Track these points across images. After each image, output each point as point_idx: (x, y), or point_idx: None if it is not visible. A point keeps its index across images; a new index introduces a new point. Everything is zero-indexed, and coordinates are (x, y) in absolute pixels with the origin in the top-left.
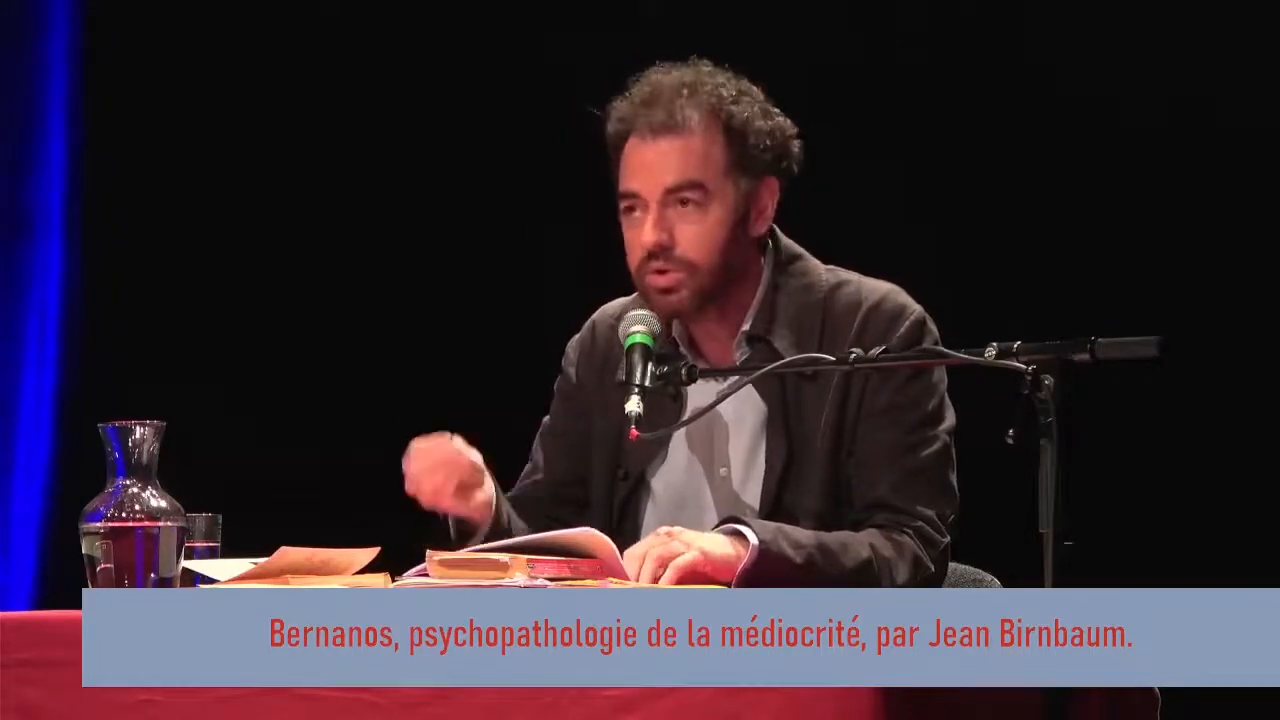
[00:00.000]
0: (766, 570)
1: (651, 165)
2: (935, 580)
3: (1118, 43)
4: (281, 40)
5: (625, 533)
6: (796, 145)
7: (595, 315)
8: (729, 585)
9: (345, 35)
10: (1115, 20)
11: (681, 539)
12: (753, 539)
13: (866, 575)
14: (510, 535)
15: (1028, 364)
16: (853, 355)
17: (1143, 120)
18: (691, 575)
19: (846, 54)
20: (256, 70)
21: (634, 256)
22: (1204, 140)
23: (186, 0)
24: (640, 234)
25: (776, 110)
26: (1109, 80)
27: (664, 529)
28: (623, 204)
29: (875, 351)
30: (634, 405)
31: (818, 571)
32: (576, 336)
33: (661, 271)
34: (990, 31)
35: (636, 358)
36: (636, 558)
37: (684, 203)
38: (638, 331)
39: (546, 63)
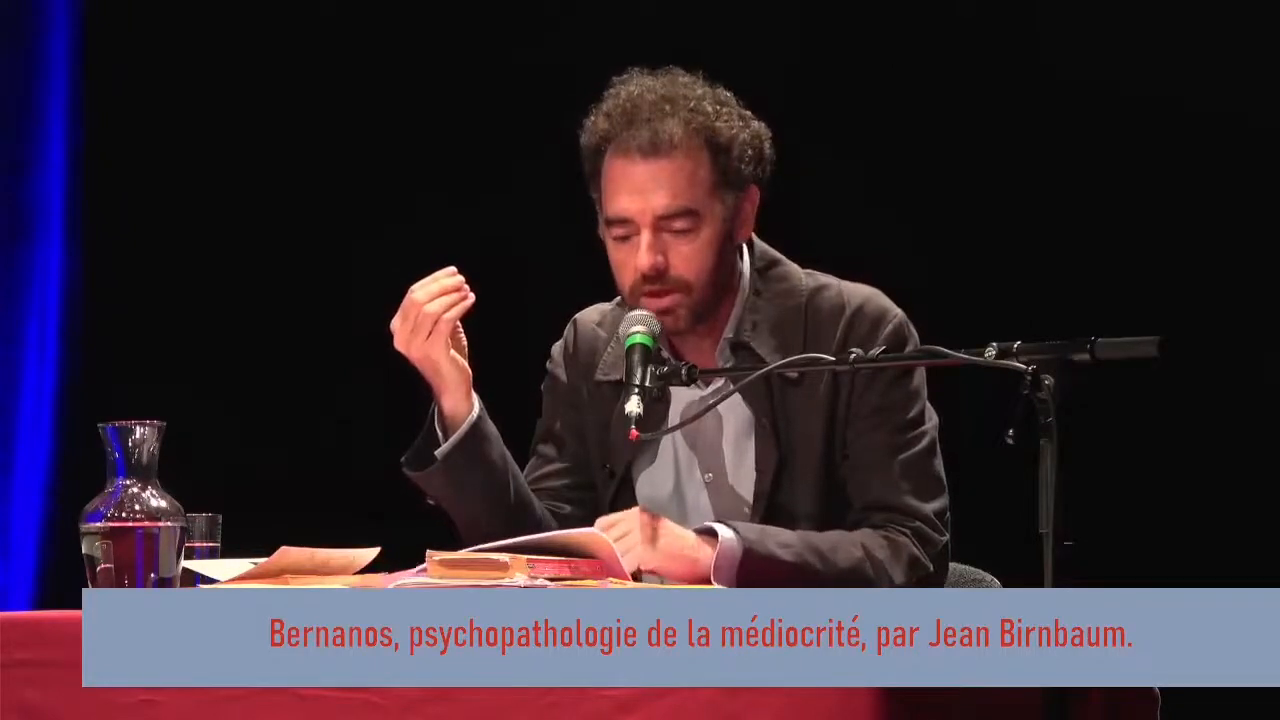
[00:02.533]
0: (755, 570)
1: (640, 189)
2: (935, 579)
3: (1119, 43)
4: (281, 40)
5: None
6: (772, 148)
7: (575, 318)
8: (685, 579)
9: (344, 35)
10: (1117, 20)
11: (649, 548)
12: (728, 535)
13: (859, 574)
14: (491, 452)
15: (1028, 364)
16: (853, 355)
17: (1143, 120)
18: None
19: (846, 53)
20: (256, 70)
21: (625, 277)
22: (1204, 140)
23: (186, 0)
24: (633, 257)
25: (751, 115)
26: (1109, 79)
27: (637, 510)
28: (612, 229)
29: (875, 352)
30: (634, 405)
31: (809, 571)
32: (559, 340)
33: (656, 294)
34: (992, 31)
35: (636, 358)
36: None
37: (677, 229)
38: (638, 332)
39: (546, 64)
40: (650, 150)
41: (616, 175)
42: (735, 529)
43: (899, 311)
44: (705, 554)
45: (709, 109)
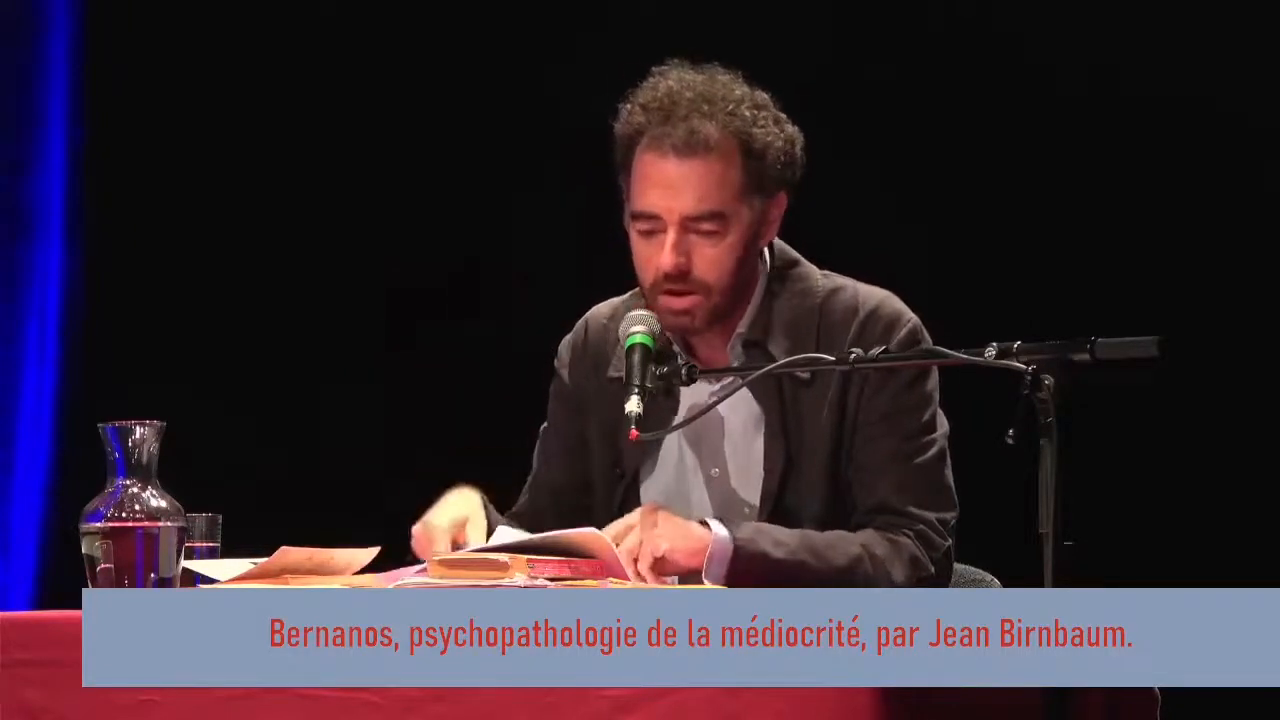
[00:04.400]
0: (746, 568)
1: (670, 187)
2: (936, 582)
3: (1117, 41)
4: (281, 40)
5: None
6: (803, 153)
7: (587, 315)
8: (691, 552)
9: (345, 35)
10: (1117, 20)
11: (653, 530)
12: (721, 534)
13: (856, 572)
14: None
15: (1028, 364)
16: (853, 355)
17: (1143, 120)
18: (661, 565)
19: (844, 53)
20: (256, 70)
21: (647, 273)
22: (1204, 140)
23: (186, 0)
24: (657, 255)
25: (786, 118)
26: (1107, 79)
27: (645, 507)
28: (638, 223)
29: (875, 352)
30: (634, 405)
31: (804, 568)
32: (568, 337)
33: (676, 293)
34: (991, 31)
35: (636, 358)
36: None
37: (703, 230)
38: (638, 331)
39: (546, 64)
40: (685, 149)
41: (648, 170)
42: (729, 527)
43: (913, 316)
44: (705, 533)
45: (747, 113)
